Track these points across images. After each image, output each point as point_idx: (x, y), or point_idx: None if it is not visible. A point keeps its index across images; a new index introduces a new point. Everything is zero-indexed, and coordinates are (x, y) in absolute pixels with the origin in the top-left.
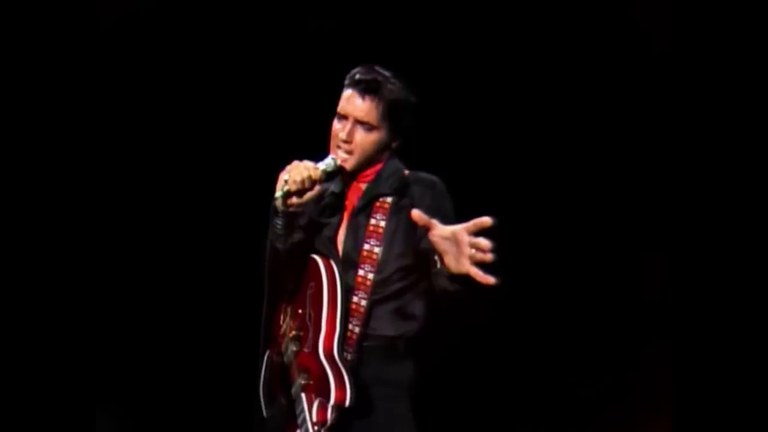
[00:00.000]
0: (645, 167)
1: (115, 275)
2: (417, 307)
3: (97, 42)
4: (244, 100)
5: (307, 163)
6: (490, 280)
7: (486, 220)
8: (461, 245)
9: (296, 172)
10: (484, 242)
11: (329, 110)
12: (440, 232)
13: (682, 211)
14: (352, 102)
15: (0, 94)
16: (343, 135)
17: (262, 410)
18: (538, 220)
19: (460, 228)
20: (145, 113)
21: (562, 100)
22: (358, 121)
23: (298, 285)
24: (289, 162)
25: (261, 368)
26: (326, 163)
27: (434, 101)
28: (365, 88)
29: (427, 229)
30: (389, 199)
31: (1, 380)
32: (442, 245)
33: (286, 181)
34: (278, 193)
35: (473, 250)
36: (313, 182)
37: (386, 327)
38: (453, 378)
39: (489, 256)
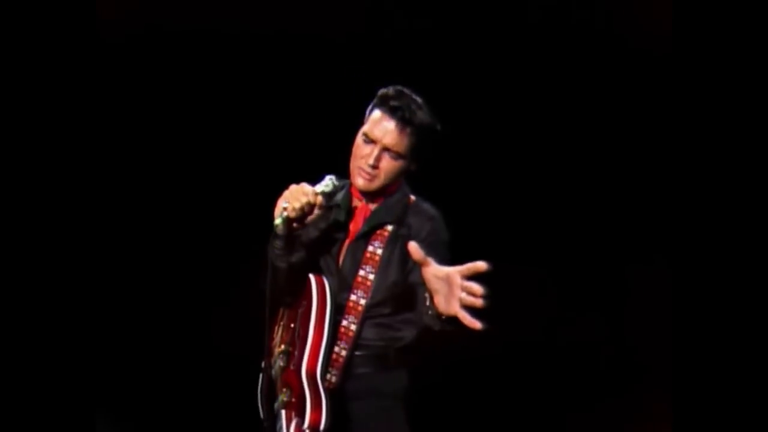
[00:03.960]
0: (646, 176)
1: (117, 278)
2: (408, 321)
3: (101, 51)
4: (245, 113)
5: (306, 188)
6: (477, 325)
7: (481, 266)
8: (453, 287)
9: (294, 199)
10: (476, 287)
11: (330, 125)
12: (435, 271)
13: (682, 216)
14: (383, 128)
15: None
16: (370, 161)
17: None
18: (537, 227)
19: (454, 270)
20: (145, 127)
21: (560, 105)
22: (387, 149)
23: (295, 300)
24: (287, 176)
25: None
26: (324, 185)
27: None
28: (400, 117)
29: (421, 264)
30: (389, 228)
31: (2, 381)
32: (435, 284)
33: (285, 208)
34: (278, 220)
35: (464, 294)
36: (312, 207)
37: (376, 339)
38: (451, 387)
39: (480, 302)
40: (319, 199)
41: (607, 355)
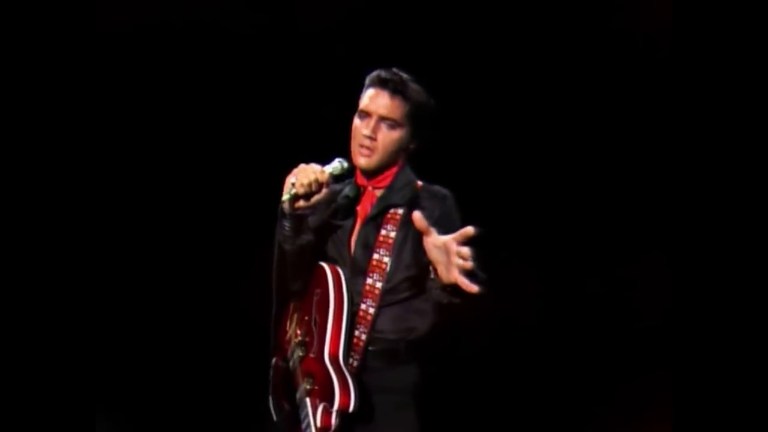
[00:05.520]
0: (648, 172)
1: (117, 276)
2: (422, 312)
3: (99, 47)
4: (250, 102)
5: (314, 167)
6: (474, 288)
7: (469, 230)
8: (450, 255)
9: (303, 176)
10: (464, 250)
11: (336, 112)
12: (434, 240)
13: (684, 214)
14: (377, 100)
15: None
16: (366, 131)
17: (272, 415)
18: (541, 223)
19: (449, 238)
20: (148, 117)
21: (562, 101)
22: (382, 118)
23: (305, 290)
24: (295, 164)
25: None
26: (333, 167)
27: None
28: (392, 88)
29: (424, 234)
30: (400, 211)
31: (2, 380)
32: (435, 254)
33: (293, 185)
34: (285, 197)
35: (460, 260)
36: (320, 185)
37: (389, 331)
38: (460, 383)
39: (469, 264)
40: (327, 177)
41: (607, 353)
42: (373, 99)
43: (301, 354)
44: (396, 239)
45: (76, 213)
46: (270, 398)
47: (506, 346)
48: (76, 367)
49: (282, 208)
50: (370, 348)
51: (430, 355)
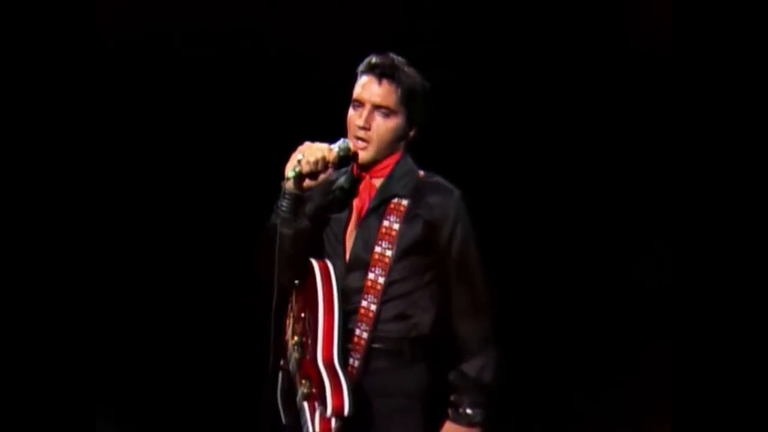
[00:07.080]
0: (648, 170)
1: (117, 275)
2: (423, 309)
3: (101, 52)
4: (246, 95)
5: (321, 145)
6: None
7: None
8: None
9: (310, 153)
10: None
11: (335, 103)
12: None
13: (683, 213)
14: (369, 88)
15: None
16: (360, 122)
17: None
18: (539, 220)
19: None
20: (148, 104)
21: (563, 97)
22: (376, 107)
23: (302, 287)
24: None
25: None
26: (339, 146)
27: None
28: (382, 73)
29: None
30: (404, 202)
31: (2, 380)
32: None
33: (299, 161)
34: (290, 173)
35: None
36: (327, 164)
37: (391, 329)
38: None
39: None
40: (334, 156)
41: (608, 352)
42: (365, 87)
43: (297, 356)
44: (400, 232)
45: (75, 213)
46: (279, 400)
47: (506, 345)
48: (76, 366)
49: (283, 187)
50: (373, 345)
51: (433, 357)
